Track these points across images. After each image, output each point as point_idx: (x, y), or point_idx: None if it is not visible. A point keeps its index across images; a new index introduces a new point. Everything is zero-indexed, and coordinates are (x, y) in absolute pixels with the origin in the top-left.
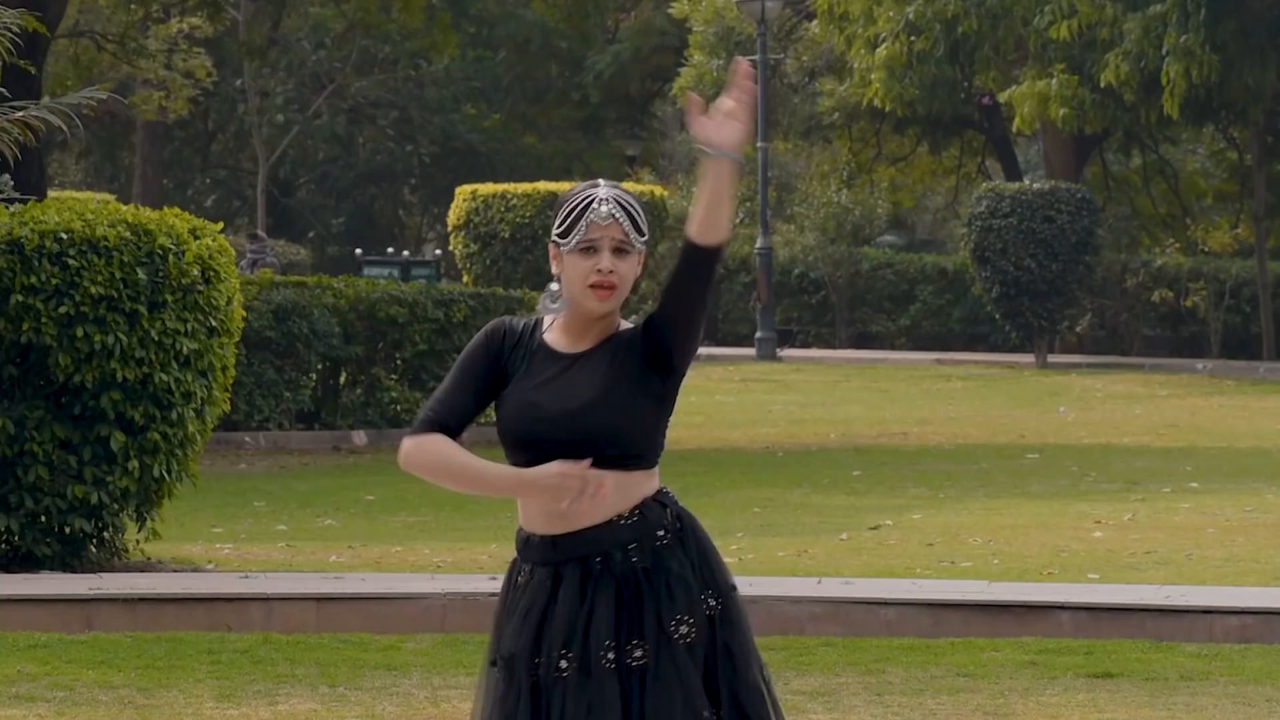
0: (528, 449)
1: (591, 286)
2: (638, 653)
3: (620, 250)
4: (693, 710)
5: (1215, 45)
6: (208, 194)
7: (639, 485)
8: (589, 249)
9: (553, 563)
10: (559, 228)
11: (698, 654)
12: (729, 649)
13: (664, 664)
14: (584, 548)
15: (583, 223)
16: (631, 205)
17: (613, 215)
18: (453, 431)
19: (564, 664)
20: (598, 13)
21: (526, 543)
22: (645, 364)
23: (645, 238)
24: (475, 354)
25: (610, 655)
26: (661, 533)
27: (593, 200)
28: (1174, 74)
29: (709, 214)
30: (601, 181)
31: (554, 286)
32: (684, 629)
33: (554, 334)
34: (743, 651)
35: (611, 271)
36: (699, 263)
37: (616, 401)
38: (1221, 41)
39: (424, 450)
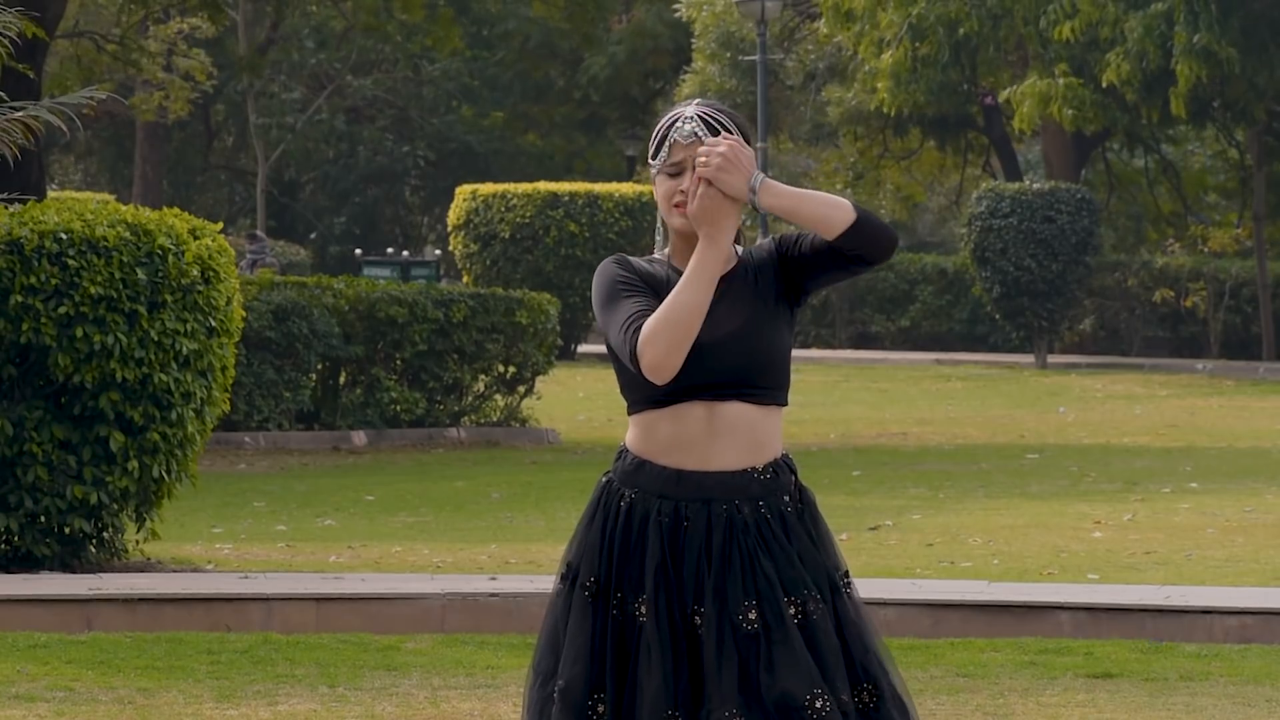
0: (671, 379)
1: (676, 206)
2: (752, 614)
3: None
4: (812, 683)
5: (1229, 42)
6: (208, 194)
7: (774, 431)
8: (676, 172)
9: (673, 499)
10: (651, 149)
11: (818, 629)
12: (858, 626)
13: (784, 633)
14: (712, 491)
15: (667, 144)
16: (719, 120)
17: (695, 134)
18: None
19: (643, 609)
20: (599, 15)
21: (640, 468)
22: (779, 292)
23: (747, 150)
24: (624, 274)
25: (709, 614)
26: (787, 498)
27: (677, 119)
28: (1185, 73)
29: (801, 222)
30: (696, 100)
31: (660, 223)
32: (803, 604)
33: (680, 262)
34: (870, 631)
35: None
36: (840, 254)
37: (763, 331)
38: (1231, 40)
39: (654, 332)
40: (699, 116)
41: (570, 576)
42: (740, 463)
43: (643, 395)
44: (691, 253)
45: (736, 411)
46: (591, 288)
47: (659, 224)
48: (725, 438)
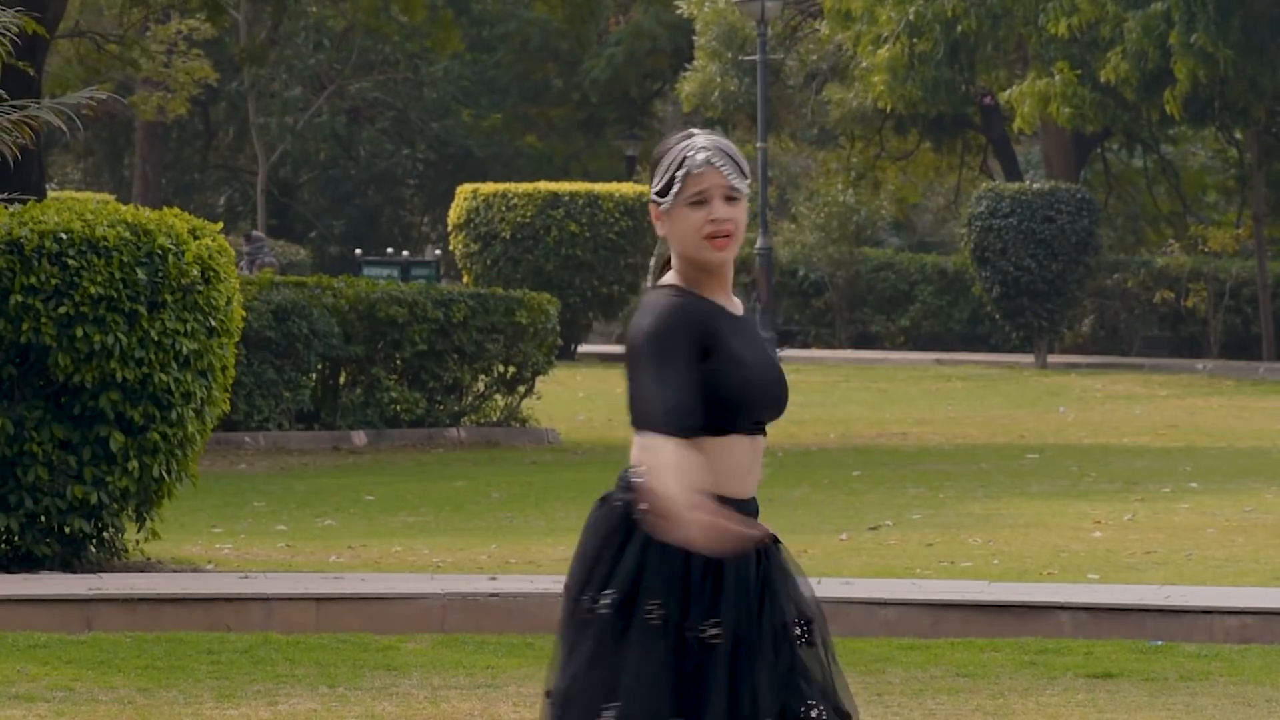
0: (742, 414)
1: (708, 238)
2: (776, 629)
3: (730, 198)
4: (806, 695)
5: (1228, 43)
6: (208, 194)
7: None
8: (698, 201)
9: None
10: (658, 185)
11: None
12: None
13: (790, 651)
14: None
15: (681, 174)
16: (730, 150)
17: (710, 162)
18: (699, 419)
19: (716, 631)
20: (593, 17)
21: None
22: None
23: (749, 180)
24: (682, 342)
25: (762, 631)
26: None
27: (689, 150)
28: (1182, 73)
29: None
30: (695, 131)
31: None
32: (808, 625)
33: (706, 292)
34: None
35: (728, 220)
36: None
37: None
38: (1231, 40)
39: (686, 468)
40: (712, 146)
41: (616, 604)
42: (754, 490)
43: (712, 424)
44: (717, 286)
45: (763, 444)
46: (645, 312)
47: (661, 260)
48: (757, 467)
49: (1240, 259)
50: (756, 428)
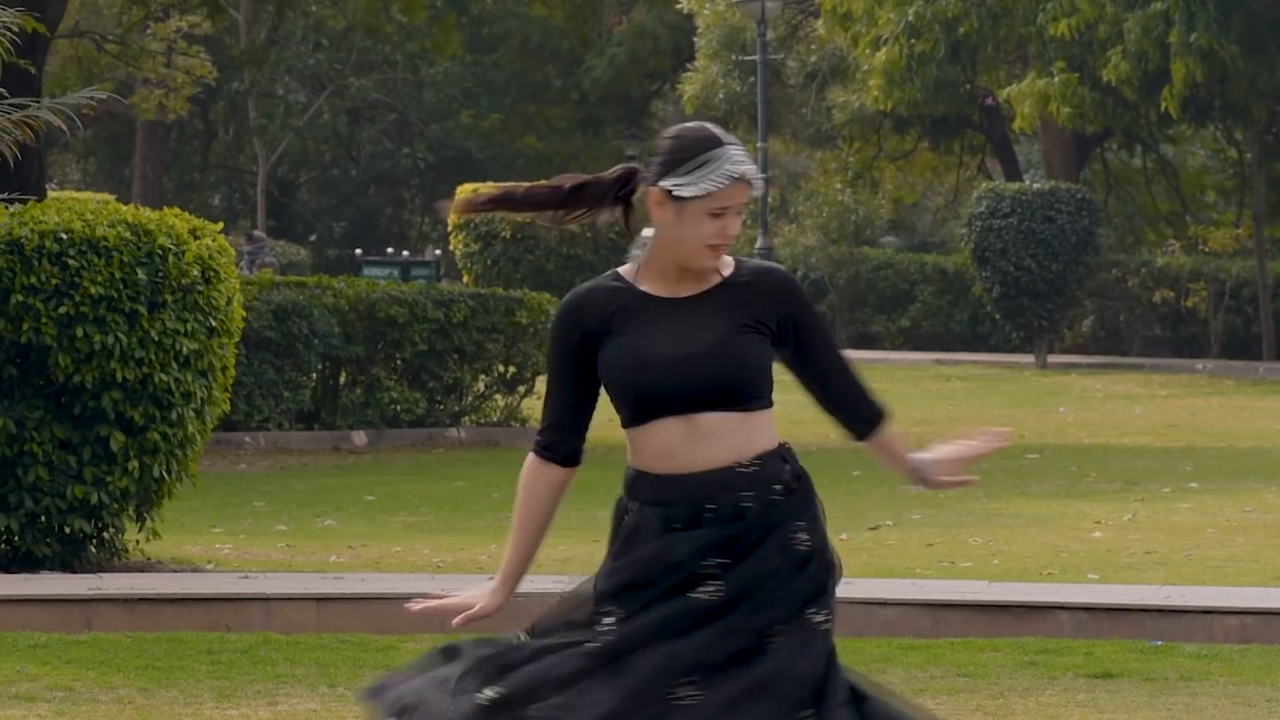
0: (640, 401)
1: (711, 247)
2: (710, 586)
3: (739, 213)
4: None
5: (1230, 41)
6: (208, 194)
7: (761, 429)
8: (718, 214)
9: (664, 503)
10: (681, 176)
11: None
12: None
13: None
14: (698, 491)
15: (717, 180)
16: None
17: (746, 179)
18: (573, 440)
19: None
20: (595, 16)
21: (638, 479)
22: (763, 322)
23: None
24: (558, 346)
25: (689, 588)
26: (779, 486)
27: (725, 159)
28: (1180, 72)
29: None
30: (713, 128)
31: (647, 233)
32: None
33: (649, 283)
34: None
35: (734, 234)
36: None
37: (735, 349)
38: (1232, 39)
39: (524, 488)
40: (749, 160)
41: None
42: (726, 459)
43: (624, 415)
44: (677, 280)
45: (714, 420)
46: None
47: (646, 234)
48: (706, 442)
49: (1240, 259)
50: (686, 408)
